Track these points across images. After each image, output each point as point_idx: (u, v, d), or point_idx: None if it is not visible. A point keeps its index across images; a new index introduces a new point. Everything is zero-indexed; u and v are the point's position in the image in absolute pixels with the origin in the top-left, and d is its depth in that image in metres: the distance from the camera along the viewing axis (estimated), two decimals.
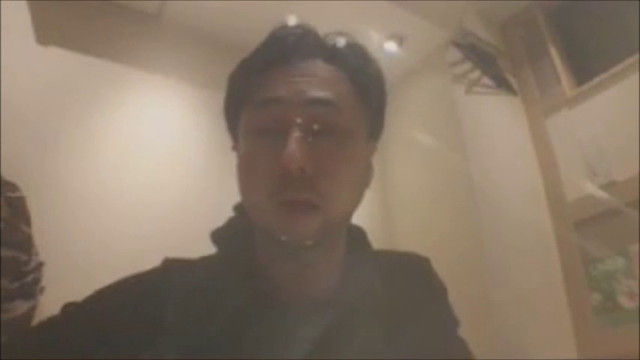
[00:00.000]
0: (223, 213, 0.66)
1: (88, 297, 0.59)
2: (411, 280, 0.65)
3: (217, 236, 0.64)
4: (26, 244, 1.60)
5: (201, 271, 0.61)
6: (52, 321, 0.58)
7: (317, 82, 0.57)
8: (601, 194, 2.05)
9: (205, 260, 0.64)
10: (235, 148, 0.63)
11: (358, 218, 0.67)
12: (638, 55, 2.05)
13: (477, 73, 2.40)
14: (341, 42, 0.62)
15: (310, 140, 0.54)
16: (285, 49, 0.59)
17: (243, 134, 0.58)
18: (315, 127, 0.54)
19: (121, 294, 0.59)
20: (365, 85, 0.61)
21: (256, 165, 0.55)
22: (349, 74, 0.60)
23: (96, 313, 0.57)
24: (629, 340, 1.81)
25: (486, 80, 2.41)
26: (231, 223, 0.65)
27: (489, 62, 2.41)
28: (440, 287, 0.68)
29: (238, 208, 0.65)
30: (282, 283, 0.58)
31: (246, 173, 0.57)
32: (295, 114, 0.54)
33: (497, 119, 2.42)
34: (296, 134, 0.53)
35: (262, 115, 0.56)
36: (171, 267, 0.62)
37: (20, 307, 1.52)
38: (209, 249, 0.65)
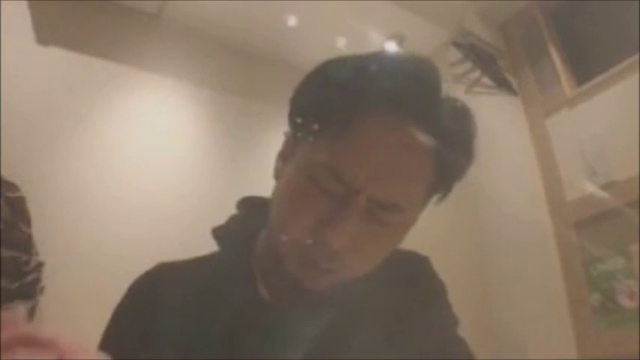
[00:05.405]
0: (223, 213, 0.66)
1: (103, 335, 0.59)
2: (411, 279, 0.64)
3: (219, 234, 0.64)
4: (26, 244, 1.60)
5: (199, 271, 0.61)
6: None
7: (400, 164, 0.52)
8: (601, 194, 2.04)
9: (202, 260, 0.64)
10: (284, 153, 0.58)
11: None
12: (638, 55, 2.05)
13: (477, 73, 2.40)
14: (443, 101, 0.54)
15: (363, 217, 0.51)
16: (379, 93, 0.51)
17: (300, 166, 0.53)
18: (373, 205, 0.51)
19: (121, 317, 0.60)
20: (452, 156, 0.56)
21: (300, 207, 0.52)
22: (438, 136, 0.52)
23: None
24: (629, 340, 1.81)
25: (486, 80, 2.40)
26: (232, 221, 0.65)
27: (489, 62, 2.41)
28: (439, 286, 0.67)
29: (241, 205, 0.64)
30: (282, 283, 0.58)
31: (286, 207, 0.54)
32: (361, 188, 0.50)
33: (497, 119, 2.42)
34: (354, 212, 0.50)
35: (328, 170, 0.50)
36: (164, 270, 0.62)
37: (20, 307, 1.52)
38: (208, 249, 0.65)
